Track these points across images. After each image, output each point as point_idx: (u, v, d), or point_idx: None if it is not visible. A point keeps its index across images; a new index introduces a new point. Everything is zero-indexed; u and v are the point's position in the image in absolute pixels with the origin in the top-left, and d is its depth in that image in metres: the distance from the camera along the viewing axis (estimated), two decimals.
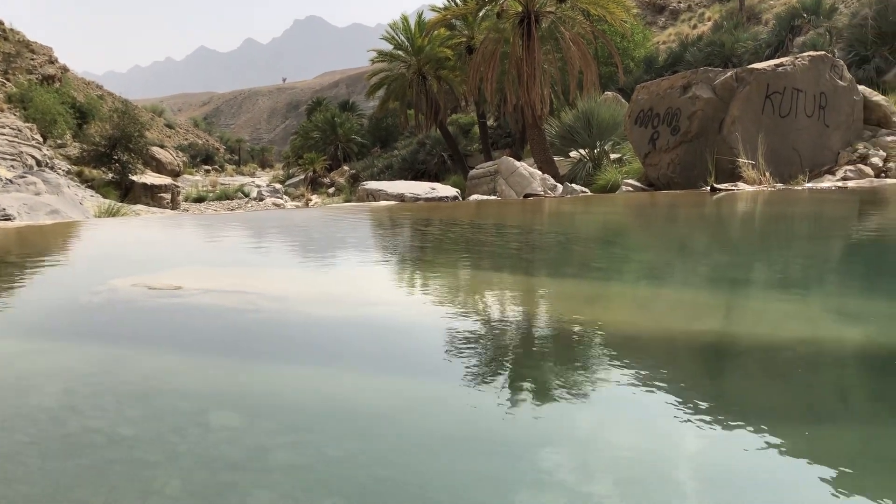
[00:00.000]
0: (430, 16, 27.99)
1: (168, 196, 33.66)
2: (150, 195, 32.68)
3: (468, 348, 3.11)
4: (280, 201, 33.96)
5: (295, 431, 2.31)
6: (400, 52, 32.88)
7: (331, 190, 38.90)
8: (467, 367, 2.85)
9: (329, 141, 49.14)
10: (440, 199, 15.45)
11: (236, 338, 3.37)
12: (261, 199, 35.78)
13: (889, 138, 14.03)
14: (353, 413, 2.46)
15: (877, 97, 15.05)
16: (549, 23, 20.29)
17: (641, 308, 4.08)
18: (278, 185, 43.77)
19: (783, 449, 2.05)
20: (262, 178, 59.47)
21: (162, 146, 53.31)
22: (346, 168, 43.59)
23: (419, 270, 5.60)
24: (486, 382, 2.65)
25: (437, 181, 24.56)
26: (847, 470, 1.97)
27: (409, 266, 5.81)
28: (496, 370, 2.81)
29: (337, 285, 4.70)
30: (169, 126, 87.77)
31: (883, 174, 12.88)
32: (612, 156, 19.01)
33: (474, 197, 16.19)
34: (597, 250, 6.76)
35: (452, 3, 27.67)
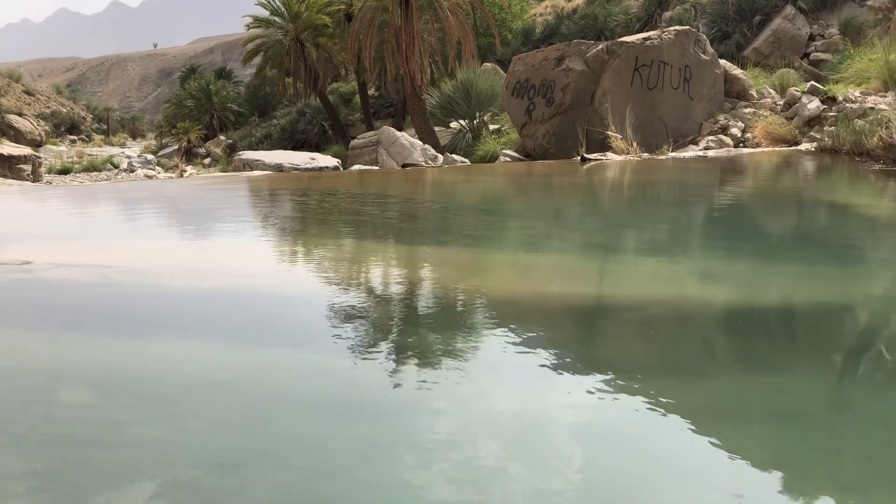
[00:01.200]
0: None
1: (28, 168, 31.44)
2: (8, 167, 30.44)
3: (341, 319, 3.10)
4: (152, 173, 32.45)
5: (153, 405, 2.25)
6: (276, 19, 31.88)
7: (206, 160, 37.52)
8: (340, 337, 2.85)
9: (204, 110, 47.27)
10: (320, 169, 15.23)
11: (88, 313, 3.23)
12: (132, 171, 34.09)
13: (747, 110, 14.89)
14: (213, 385, 2.42)
15: (736, 71, 15.91)
16: None
17: (519, 274, 4.19)
18: (150, 156, 41.80)
19: (654, 402, 2.17)
20: (133, 149, 56.63)
21: (20, 114, 49.75)
22: (222, 138, 42.12)
23: (292, 242, 5.52)
24: (358, 351, 2.65)
25: (318, 151, 24.12)
26: (713, 420, 2.11)
27: (281, 237, 5.72)
28: (369, 339, 2.82)
29: (202, 258, 4.57)
30: (28, 93, 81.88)
31: (741, 144, 13.67)
32: (492, 126, 19.25)
33: (356, 167, 16.05)
34: (476, 219, 6.87)
35: None
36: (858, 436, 1.99)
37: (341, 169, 15.62)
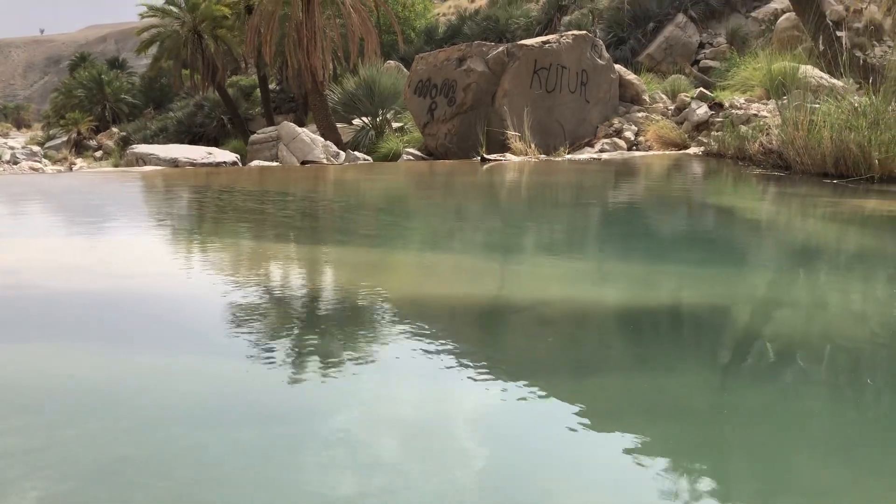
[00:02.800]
0: None
1: None
2: None
3: (233, 322, 3.04)
4: (39, 165, 30.72)
5: (26, 413, 2.15)
6: (172, 8, 30.86)
7: (98, 153, 35.92)
8: (230, 341, 2.79)
9: (96, 101, 45.23)
10: (218, 164, 14.84)
11: None
12: (16, 163, 32.19)
13: (640, 114, 15.44)
14: (93, 392, 2.33)
15: (630, 76, 16.48)
16: None
17: (419, 274, 4.21)
18: (37, 148, 39.59)
19: (553, 400, 2.22)
20: (18, 140, 53.57)
21: None
22: (115, 130, 40.40)
23: (183, 241, 5.36)
24: (250, 355, 2.60)
25: (217, 145, 23.49)
26: (609, 417, 2.18)
27: (171, 236, 5.54)
28: (262, 342, 2.76)
29: (85, 257, 4.37)
30: None
31: (634, 147, 14.17)
32: (395, 124, 19.25)
33: (255, 163, 15.70)
34: (376, 218, 6.86)
35: None
36: (740, 432, 2.11)
37: (240, 164, 15.26)
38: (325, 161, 15.31)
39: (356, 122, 20.02)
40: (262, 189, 9.43)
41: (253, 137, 19.43)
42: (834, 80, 11.84)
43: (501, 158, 11.56)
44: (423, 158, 15.11)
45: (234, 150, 19.34)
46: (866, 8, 18.03)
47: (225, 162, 15.02)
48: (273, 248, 4.99)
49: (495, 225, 6.42)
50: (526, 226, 6.33)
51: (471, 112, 14.11)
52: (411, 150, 15.70)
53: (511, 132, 12.40)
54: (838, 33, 16.09)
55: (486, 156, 11.66)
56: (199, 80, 31.62)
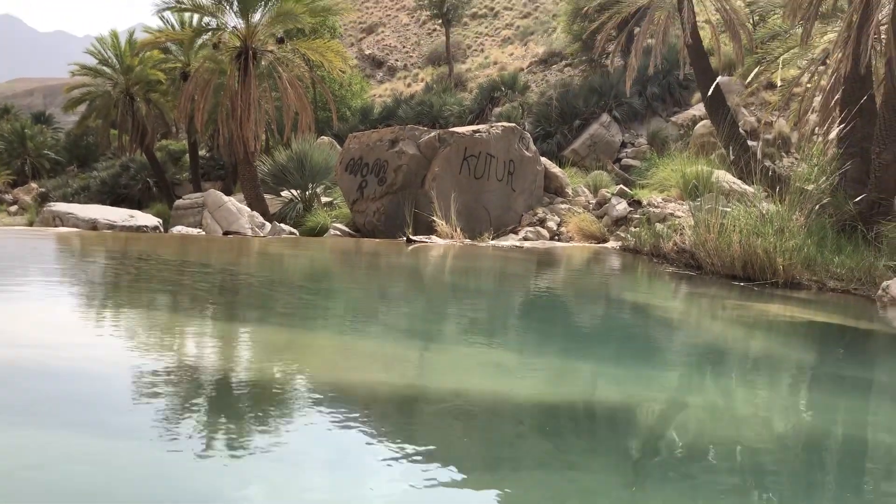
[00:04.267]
0: (143, 36, 26.44)
1: None
2: None
3: (136, 400, 2.93)
4: None
5: None
6: (106, 69, 30.51)
7: (13, 208, 34.63)
8: (131, 420, 2.69)
9: (16, 154, 43.81)
10: (139, 228, 14.49)
11: None
12: None
13: (563, 206, 15.93)
14: None
15: (555, 169, 17.06)
16: (268, 62, 20.24)
17: (336, 357, 4.16)
18: None
19: (467, 491, 2.20)
20: None
21: None
22: (34, 186, 39.13)
23: (88, 310, 5.18)
24: (152, 436, 2.51)
25: (140, 208, 23.03)
26: None
27: (77, 304, 5.35)
28: (166, 423, 2.67)
29: None
30: None
31: (556, 237, 14.54)
32: (324, 199, 19.28)
33: (178, 229, 15.41)
34: (295, 296, 6.79)
35: (168, 27, 26.47)
36: None
37: (161, 230, 14.95)
38: (249, 232, 15.15)
39: (285, 194, 19.98)
40: (181, 259, 9.24)
41: (178, 203, 19.14)
42: (745, 187, 12.49)
43: (427, 241, 11.68)
44: (350, 235, 15.13)
45: (157, 215, 18.97)
46: (776, 121, 19.27)
47: (146, 226, 14.69)
48: (185, 324, 4.87)
49: (416, 309, 6.44)
50: (446, 312, 6.37)
51: (400, 192, 14.29)
52: (339, 226, 15.71)
53: (438, 215, 12.58)
54: (750, 143, 17.11)
55: (412, 237, 11.76)
56: (126, 141, 31.10)
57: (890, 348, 6.34)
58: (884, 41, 11.83)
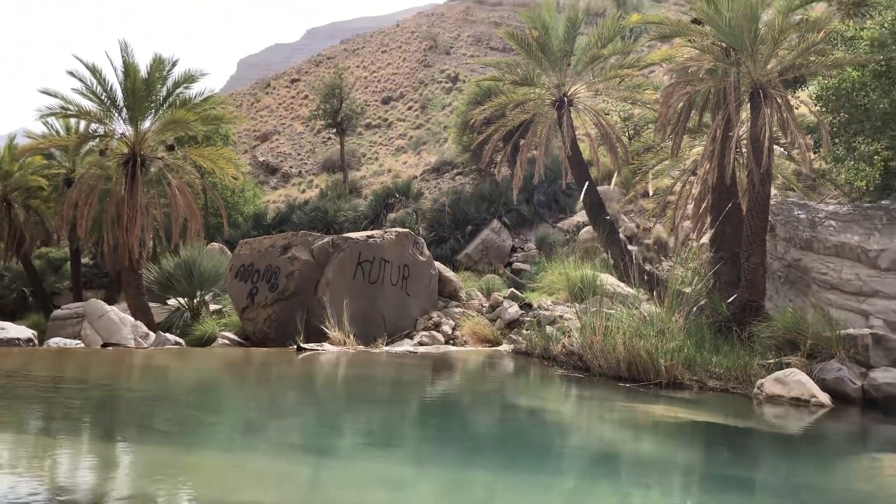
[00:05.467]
0: (25, 141, 25.63)
1: None
2: None
3: None
4: None
5: None
6: None
7: None
8: None
9: None
10: (10, 341, 13.59)
11: None
12: None
13: (457, 310, 16.08)
14: None
15: (449, 273, 17.31)
16: (157, 168, 19.96)
17: (216, 477, 3.96)
18: None
19: None
20: None
21: None
22: None
23: None
24: None
25: (14, 320, 21.67)
26: None
27: None
28: None
29: None
30: None
31: (451, 341, 14.60)
32: (213, 307, 18.73)
33: (54, 341, 14.54)
34: (178, 411, 6.47)
35: (53, 133, 25.79)
36: None
37: (36, 342, 14.07)
38: (132, 343, 14.46)
39: (172, 302, 19.32)
40: (55, 374, 8.70)
41: (56, 313, 18.14)
42: (627, 289, 13.03)
43: (318, 348, 11.48)
44: (240, 343, 14.69)
45: (32, 326, 17.86)
46: (653, 227, 20.40)
47: (19, 339, 13.78)
48: (55, 445, 4.54)
49: (307, 421, 6.25)
50: (340, 423, 6.22)
51: (292, 299, 14.08)
52: (228, 334, 15.24)
53: (331, 321, 12.43)
54: (630, 247, 17.96)
55: (302, 345, 11.54)
56: (2, 248, 29.58)
57: (768, 445, 6.60)
58: (745, 154, 12.89)
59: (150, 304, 19.73)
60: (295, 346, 11.50)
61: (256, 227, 27.79)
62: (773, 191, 15.47)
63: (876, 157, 13.71)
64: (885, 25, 11.48)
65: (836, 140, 13.22)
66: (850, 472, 5.66)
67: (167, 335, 14.99)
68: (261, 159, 44.80)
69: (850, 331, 9.43)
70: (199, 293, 18.76)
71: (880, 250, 11.22)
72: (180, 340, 14.88)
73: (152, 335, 15.16)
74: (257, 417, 6.29)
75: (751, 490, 4.91)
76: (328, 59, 59.29)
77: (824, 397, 8.19)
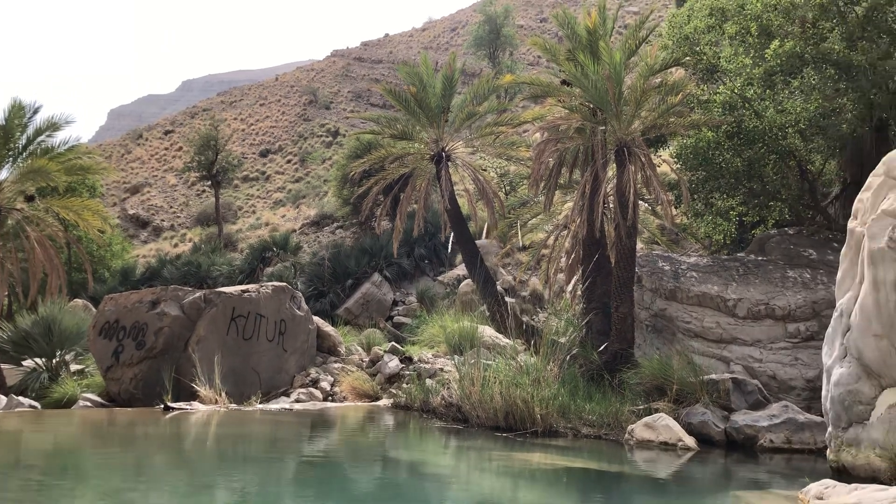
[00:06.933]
0: None
1: None
2: None
3: None
4: None
5: None
6: None
7: None
8: None
9: None
10: None
11: None
12: None
13: (336, 365, 15.80)
14: None
15: (328, 328, 17.02)
16: (15, 220, 18.75)
17: None
18: None
19: None
20: None
21: None
22: None
23: None
24: None
25: None
26: None
27: None
28: None
29: None
30: None
31: (330, 397, 14.29)
32: (74, 367, 17.57)
33: None
34: (26, 479, 5.97)
35: None
36: None
37: None
38: None
39: (28, 363, 17.98)
40: None
41: None
42: (505, 340, 13.23)
43: (187, 407, 10.95)
44: (103, 405, 13.80)
45: None
46: (529, 279, 20.93)
47: None
48: None
49: (173, 486, 5.90)
50: (208, 484, 5.91)
51: (161, 357, 13.41)
52: (90, 396, 14.29)
53: (201, 379, 11.91)
54: (508, 299, 18.33)
55: (170, 404, 10.97)
56: None
57: (641, 489, 6.79)
58: (612, 209, 13.52)
59: (4, 366, 18.31)
60: (162, 406, 10.92)
61: (124, 283, 26.46)
62: (640, 244, 16.30)
63: (731, 213, 14.72)
64: (735, 90, 12.46)
65: (696, 196, 14.12)
66: None
67: (20, 398, 13.91)
68: (131, 212, 42.99)
69: (713, 376, 9.94)
70: (58, 353, 17.55)
71: (737, 299, 11.96)
72: (35, 403, 13.84)
73: (3, 399, 14.03)
74: (117, 483, 5.89)
75: None
76: (204, 111, 58.10)
77: (690, 441, 8.54)
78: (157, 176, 48.99)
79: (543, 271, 18.79)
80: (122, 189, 46.56)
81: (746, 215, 14.92)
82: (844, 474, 6.73)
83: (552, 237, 17.05)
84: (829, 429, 7.39)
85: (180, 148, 49.70)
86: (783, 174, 13.22)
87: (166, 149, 52.99)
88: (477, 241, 18.17)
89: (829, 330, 7.64)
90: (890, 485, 5.55)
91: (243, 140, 51.78)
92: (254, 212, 41.61)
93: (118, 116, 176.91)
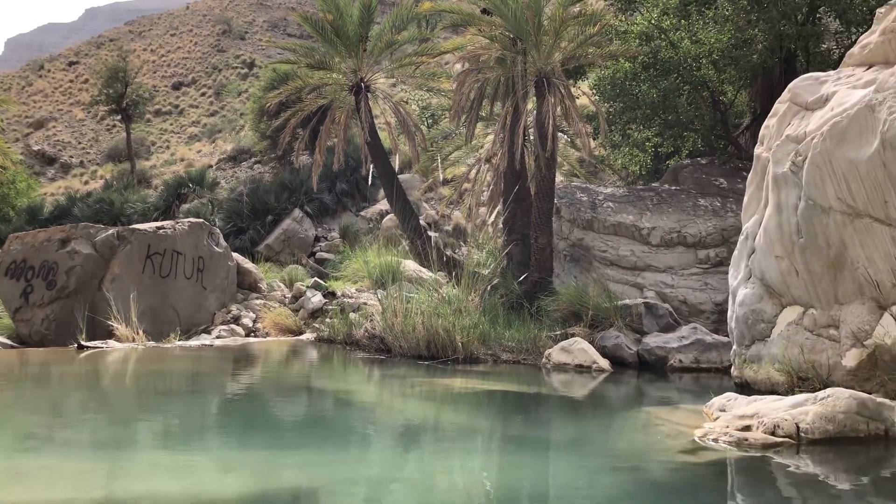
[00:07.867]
0: None
1: None
2: None
3: None
4: None
5: None
6: None
7: None
8: None
9: None
10: None
11: None
12: None
13: (258, 301, 15.64)
14: None
15: (248, 265, 16.76)
16: None
17: (5, 479, 3.62)
18: None
19: None
20: None
21: None
22: None
23: None
24: None
25: None
26: None
27: None
28: None
29: None
30: None
31: (252, 333, 14.18)
32: None
33: None
34: None
35: None
36: None
37: None
38: None
39: None
40: None
41: None
42: (429, 274, 13.32)
43: (103, 346, 10.70)
44: (12, 347, 13.35)
45: None
46: (452, 213, 21.02)
47: None
48: None
49: (91, 421, 5.81)
50: (132, 419, 5.84)
51: (73, 297, 12.99)
52: None
53: (117, 317, 11.63)
54: (431, 234, 18.40)
55: (84, 343, 10.70)
56: None
57: (556, 408, 7.05)
58: (532, 140, 13.61)
59: None
60: (76, 345, 10.65)
61: (31, 222, 25.29)
62: (559, 176, 16.49)
63: (647, 144, 15.03)
64: (652, 21, 12.57)
65: (613, 128, 14.32)
66: (625, 425, 6.18)
67: None
68: (35, 148, 40.85)
69: (626, 301, 10.29)
70: None
71: (651, 228, 12.32)
72: None
73: None
74: (37, 420, 5.76)
75: (544, 447, 5.22)
76: (111, 42, 55.07)
77: (605, 363, 8.87)
78: (62, 110, 46.57)
79: (466, 205, 18.88)
80: (24, 124, 44.13)
81: (662, 146, 15.26)
82: (747, 389, 7.13)
83: (474, 170, 17.08)
84: (734, 347, 7.80)
85: (86, 80, 47.18)
86: (697, 105, 13.51)
87: (71, 81, 50.29)
88: (400, 176, 18.04)
89: (735, 253, 7.98)
90: (786, 395, 5.91)
91: (154, 72, 49.53)
92: (168, 147, 40.18)
93: (16, 46, 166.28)
